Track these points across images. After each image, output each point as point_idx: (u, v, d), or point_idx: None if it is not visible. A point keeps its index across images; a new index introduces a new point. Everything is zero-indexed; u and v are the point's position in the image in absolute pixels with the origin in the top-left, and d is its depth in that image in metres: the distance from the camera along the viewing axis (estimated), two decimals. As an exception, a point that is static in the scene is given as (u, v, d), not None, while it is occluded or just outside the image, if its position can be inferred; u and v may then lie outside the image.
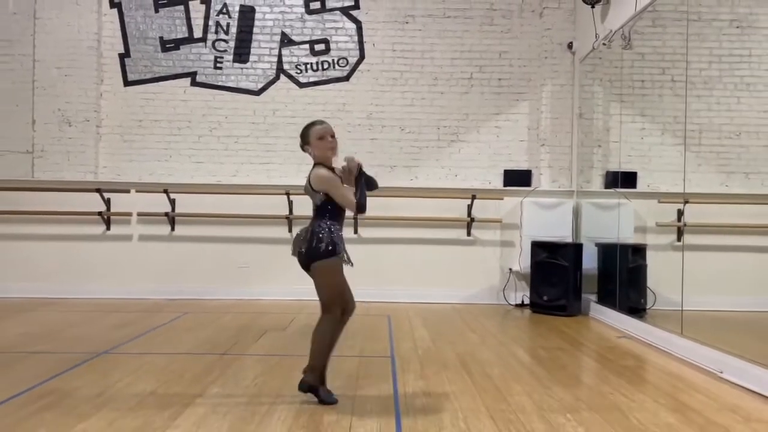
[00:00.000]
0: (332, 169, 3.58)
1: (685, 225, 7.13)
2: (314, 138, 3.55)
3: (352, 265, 3.58)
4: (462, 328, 6.02)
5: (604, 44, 6.60)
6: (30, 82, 7.85)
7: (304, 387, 3.42)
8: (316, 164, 3.56)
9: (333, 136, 3.61)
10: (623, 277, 6.64)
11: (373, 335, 5.52)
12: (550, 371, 4.29)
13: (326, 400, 3.38)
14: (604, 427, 3.09)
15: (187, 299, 7.39)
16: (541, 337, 5.67)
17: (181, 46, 7.95)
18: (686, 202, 7.06)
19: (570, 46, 7.80)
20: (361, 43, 7.98)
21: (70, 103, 7.81)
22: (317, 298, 3.50)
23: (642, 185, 7.45)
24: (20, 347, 4.78)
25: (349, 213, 3.58)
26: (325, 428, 3.05)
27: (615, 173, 7.74)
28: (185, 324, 5.92)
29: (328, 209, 3.46)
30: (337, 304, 3.46)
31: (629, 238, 7.27)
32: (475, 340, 5.51)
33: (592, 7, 6.76)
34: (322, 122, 3.65)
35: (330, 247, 3.37)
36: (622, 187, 7.49)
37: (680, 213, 7.20)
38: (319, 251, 3.37)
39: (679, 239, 7.22)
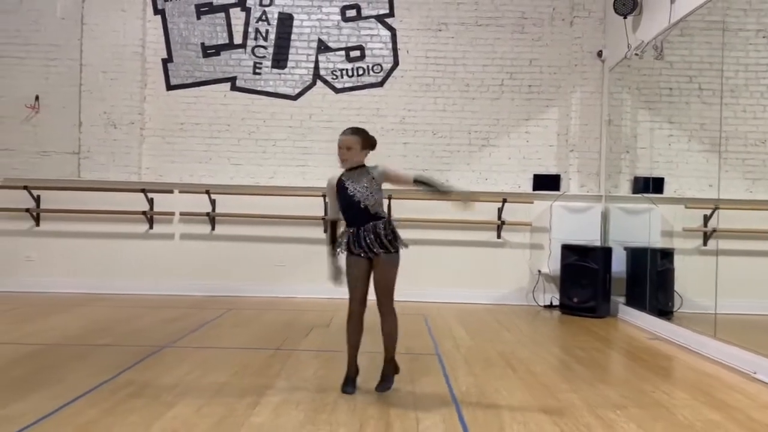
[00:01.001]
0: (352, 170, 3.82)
1: (714, 230, 7.33)
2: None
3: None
4: (497, 328, 6.26)
5: (636, 54, 6.80)
6: (77, 86, 8.15)
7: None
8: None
9: (348, 149, 3.80)
10: (652, 280, 6.84)
11: (413, 334, 5.75)
12: (590, 370, 4.51)
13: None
14: (653, 423, 3.32)
15: (226, 296, 7.66)
16: (575, 337, 5.90)
17: (221, 52, 8.23)
18: (716, 208, 7.26)
19: (600, 54, 8.00)
20: (395, 50, 8.22)
21: (115, 106, 8.11)
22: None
23: (669, 191, 7.64)
24: (87, 340, 5.06)
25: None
26: (393, 420, 3.29)
27: (643, 178, 7.94)
28: (232, 320, 6.20)
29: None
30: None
31: (656, 242, 7.47)
32: (511, 339, 5.74)
33: (624, 17, 6.95)
34: (343, 132, 3.89)
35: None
36: (649, 192, 7.70)
37: (706, 218, 7.39)
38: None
39: (705, 244, 7.41)
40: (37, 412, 3.24)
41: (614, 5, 6.97)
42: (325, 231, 3.88)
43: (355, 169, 3.82)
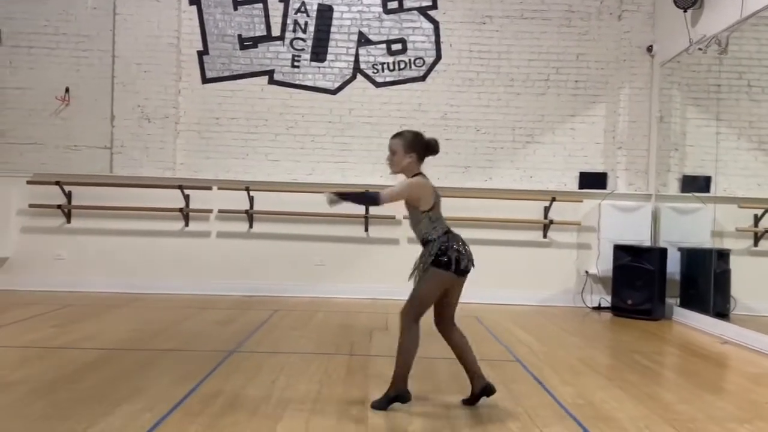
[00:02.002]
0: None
1: (766, 231, 7.16)
2: None
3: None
4: (557, 331, 6.06)
5: (699, 49, 6.60)
6: (109, 78, 7.87)
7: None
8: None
9: (393, 153, 3.54)
10: (711, 281, 6.65)
11: (477, 337, 5.52)
12: (683, 378, 4.32)
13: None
14: (788, 437, 3.12)
15: (265, 296, 7.43)
16: (644, 342, 5.70)
17: (259, 44, 7.96)
18: (769, 208, 7.08)
19: (650, 49, 7.80)
20: (438, 43, 7.99)
21: (149, 99, 7.83)
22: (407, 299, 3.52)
23: (717, 190, 7.45)
24: (147, 344, 4.81)
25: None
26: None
27: (692, 177, 7.75)
28: (285, 322, 5.95)
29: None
30: None
31: (706, 242, 7.29)
32: (581, 343, 5.54)
33: (685, 11, 6.75)
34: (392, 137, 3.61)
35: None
36: (698, 191, 7.51)
37: (757, 218, 7.22)
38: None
39: (756, 244, 7.24)
40: (135, 427, 2.99)
41: (674, -1, 6.76)
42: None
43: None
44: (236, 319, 6.02)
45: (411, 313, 3.42)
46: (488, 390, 3.45)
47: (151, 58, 7.82)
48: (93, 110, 7.86)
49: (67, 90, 7.84)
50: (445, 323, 3.54)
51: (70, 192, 7.63)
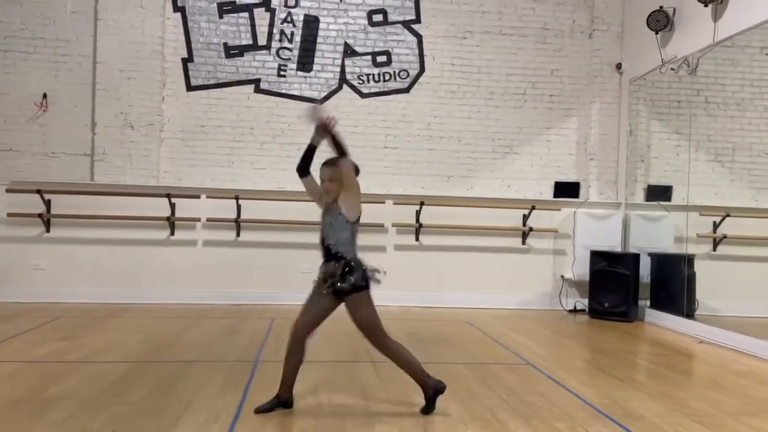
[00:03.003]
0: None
1: (724, 236, 7.74)
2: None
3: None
4: (548, 334, 6.40)
5: (672, 69, 7.10)
6: (90, 84, 7.72)
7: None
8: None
9: (331, 180, 3.62)
10: (680, 284, 7.16)
11: (478, 341, 5.80)
12: (683, 375, 4.69)
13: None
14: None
15: (257, 304, 7.47)
16: (630, 343, 6.11)
17: (245, 53, 7.99)
18: (727, 215, 7.69)
19: (618, 66, 8.30)
20: (421, 56, 8.23)
21: (133, 106, 7.73)
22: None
23: (676, 198, 8.00)
24: (168, 356, 4.82)
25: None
26: (567, 432, 3.33)
27: (655, 186, 8.30)
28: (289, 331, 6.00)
29: (355, 236, 3.69)
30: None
31: (670, 248, 7.84)
32: (574, 345, 5.89)
33: (657, 33, 7.25)
34: (324, 164, 3.70)
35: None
36: (662, 199, 8.06)
37: (715, 225, 7.80)
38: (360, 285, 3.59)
39: (714, 249, 7.82)
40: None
41: (647, 21, 7.25)
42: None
43: (333, 202, 3.65)
44: (238, 328, 6.06)
45: (381, 339, 3.57)
46: (289, 403, 3.58)
47: (134, 65, 7.72)
48: (72, 117, 7.69)
49: (44, 96, 7.63)
50: (309, 335, 3.63)
51: (49, 200, 7.43)
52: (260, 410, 3.51)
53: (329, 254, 3.57)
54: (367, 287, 3.52)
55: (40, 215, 7.37)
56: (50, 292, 7.31)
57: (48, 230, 7.51)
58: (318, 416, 3.52)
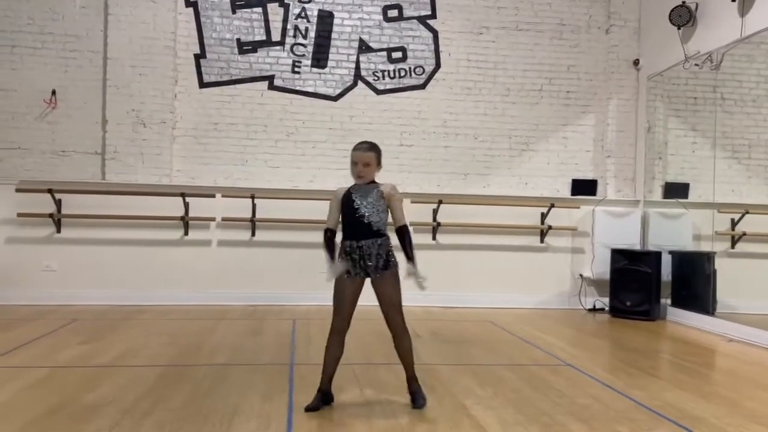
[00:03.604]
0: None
1: (744, 234, 7.68)
2: (351, 161, 3.77)
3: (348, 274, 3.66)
4: (575, 334, 6.31)
5: (696, 65, 7.03)
6: (100, 80, 7.54)
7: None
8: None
9: (366, 165, 3.68)
10: (707, 281, 7.10)
11: (507, 341, 5.70)
12: (726, 375, 4.61)
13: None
14: None
15: (274, 305, 7.34)
16: (661, 341, 6.05)
17: (258, 49, 7.84)
18: (746, 212, 7.64)
19: (636, 62, 8.23)
20: (437, 52, 8.12)
21: (145, 103, 7.55)
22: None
23: (693, 196, 7.95)
24: (197, 360, 4.67)
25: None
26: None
27: (673, 183, 8.25)
28: (314, 332, 5.86)
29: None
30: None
31: (689, 245, 7.79)
32: (605, 345, 5.81)
33: (679, 28, 7.18)
34: (357, 148, 3.77)
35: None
36: (679, 197, 8.01)
37: (734, 222, 7.75)
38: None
39: (733, 247, 7.77)
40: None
41: (670, 16, 7.18)
42: (324, 240, 3.68)
43: (366, 184, 3.71)
44: (261, 330, 5.93)
45: (402, 317, 3.68)
46: (330, 398, 3.66)
47: (146, 61, 7.55)
48: (82, 114, 7.51)
49: (53, 92, 7.44)
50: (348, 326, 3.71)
51: (59, 200, 7.24)
52: (309, 408, 3.51)
53: (370, 232, 3.60)
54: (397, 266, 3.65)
55: (51, 215, 7.18)
56: (61, 294, 7.13)
57: (59, 230, 7.32)
58: (370, 417, 3.40)
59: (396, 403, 3.70)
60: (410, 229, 3.74)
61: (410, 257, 3.57)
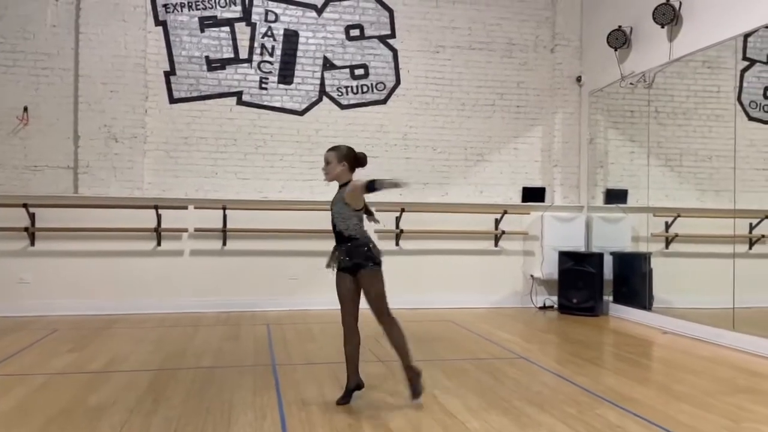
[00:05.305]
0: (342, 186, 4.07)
1: (676, 235, 8.43)
2: None
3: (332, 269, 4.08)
4: (528, 330, 6.91)
5: (630, 83, 7.75)
6: (71, 97, 7.77)
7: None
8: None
9: (327, 163, 4.12)
10: (645, 279, 7.82)
11: (467, 339, 6.24)
12: (669, 365, 5.24)
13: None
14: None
15: (246, 311, 7.71)
16: (604, 335, 6.70)
17: (227, 66, 8.19)
18: (678, 215, 8.40)
19: (579, 79, 8.94)
20: (397, 69, 8.64)
21: (116, 119, 7.82)
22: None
23: (631, 201, 8.68)
24: (185, 364, 5.03)
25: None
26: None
27: (614, 190, 8.97)
28: (290, 335, 6.28)
29: (360, 223, 4.06)
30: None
31: (627, 246, 8.52)
32: (556, 339, 6.41)
33: (615, 50, 7.89)
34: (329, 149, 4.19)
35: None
36: (618, 202, 8.74)
37: (667, 225, 8.51)
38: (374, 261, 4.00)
39: (667, 247, 8.52)
40: (267, 434, 3.38)
41: (607, 39, 7.88)
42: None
43: (340, 187, 4.08)
44: (238, 335, 6.30)
45: (386, 310, 4.00)
46: (360, 385, 4.10)
47: (117, 78, 7.82)
48: (54, 130, 7.72)
49: (25, 109, 7.64)
50: (356, 320, 4.06)
51: (33, 213, 7.45)
52: (340, 402, 3.93)
53: (342, 238, 3.99)
54: (379, 264, 3.98)
55: (26, 229, 7.37)
56: (37, 306, 7.34)
57: (32, 243, 7.52)
58: (353, 406, 3.87)
59: (378, 394, 4.16)
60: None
61: (381, 184, 3.75)
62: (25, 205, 7.30)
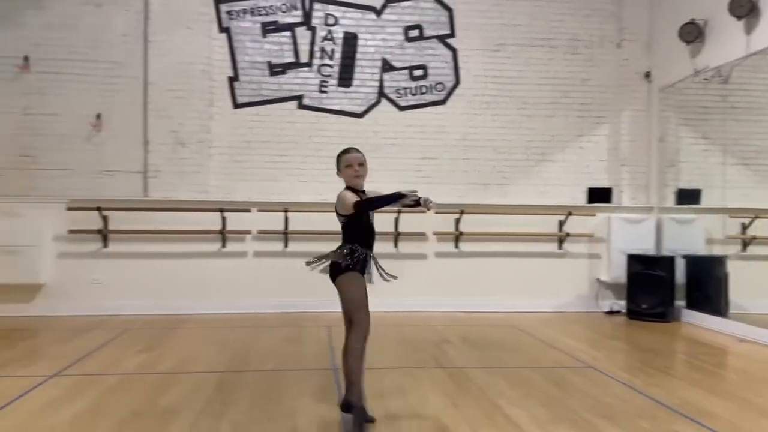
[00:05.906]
0: (361, 192, 3.97)
1: (754, 237, 8.01)
2: (343, 166, 4.01)
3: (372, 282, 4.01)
4: (594, 336, 6.69)
5: (705, 79, 7.40)
6: (141, 104, 8.02)
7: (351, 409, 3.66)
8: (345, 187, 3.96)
9: (361, 165, 3.96)
10: (719, 284, 7.46)
11: (533, 347, 6.10)
12: (749, 377, 4.99)
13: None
14: None
15: (306, 312, 7.72)
16: (676, 343, 6.44)
17: (288, 71, 8.29)
18: (756, 217, 7.97)
19: (647, 75, 8.60)
20: (456, 69, 8.54)
21: (183, 124, 8.03)
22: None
23: (705, 201, 8.28)
24: (249, 366, 5.12)
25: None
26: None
27: (686, 190, 8.59)
28: (383, 338, 6.20)
29: (347, 230, 3.96)
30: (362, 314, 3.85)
31: (701, 249, 8.14)
32: (625, 347, 6.20)
33: (687, 44, 7.55)
34: (348, 151, 4.06)
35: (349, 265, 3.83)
36: (691, 203, 8.36)
37: (744, 226, 8.09)
38: (339, 267, 3.85)
39: (744, 250, 8.11)
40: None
41: (679, 32, 7.56)
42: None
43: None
44: (300, 337, 6.36)
45: (355, 318, 3.99)
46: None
47: (184, 84, 8.03)
48: (125, 135, 7.99)
49: (98, 116, 7.93)
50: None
51: (106, 216, 7.73)
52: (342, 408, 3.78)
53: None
54: (352, 269, 3.89)
55: (99, 231, 7.67)
56: (109, 306, 7.62)
57: (106, 245, 7.81)
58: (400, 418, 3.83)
59: (433, 405, 4.11)
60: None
61: (388, 198, 3.68)
62: (98, 209, 7.60)
